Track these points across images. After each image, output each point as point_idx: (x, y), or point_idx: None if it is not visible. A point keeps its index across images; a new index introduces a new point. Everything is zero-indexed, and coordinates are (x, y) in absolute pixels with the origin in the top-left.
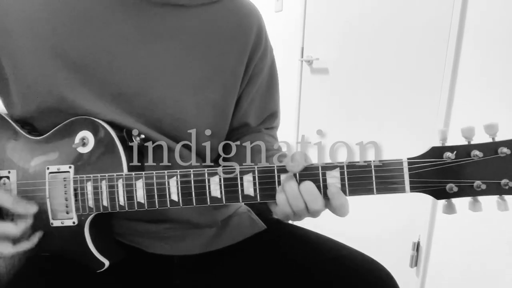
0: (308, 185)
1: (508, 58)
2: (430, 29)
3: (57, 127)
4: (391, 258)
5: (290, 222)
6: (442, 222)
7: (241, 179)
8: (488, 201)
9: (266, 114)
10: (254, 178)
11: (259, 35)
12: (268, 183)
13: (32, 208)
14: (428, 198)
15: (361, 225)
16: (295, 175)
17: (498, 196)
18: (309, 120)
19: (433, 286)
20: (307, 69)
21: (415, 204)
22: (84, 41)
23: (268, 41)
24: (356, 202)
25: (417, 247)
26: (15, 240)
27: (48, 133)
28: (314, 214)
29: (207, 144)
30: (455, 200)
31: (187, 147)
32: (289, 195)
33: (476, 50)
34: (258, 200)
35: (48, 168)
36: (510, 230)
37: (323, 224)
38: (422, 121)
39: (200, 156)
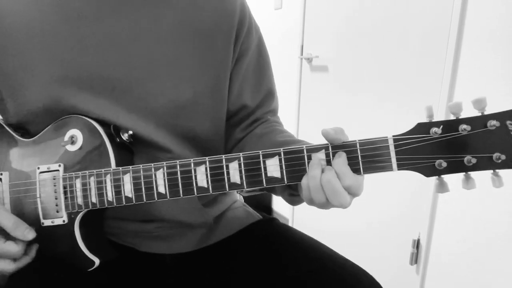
0: (331, 177)
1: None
2: (430, 26)
3: (47, 128)
4: (391, 256)
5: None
6: (442, 220)
7: (227, 167)
8: (486, 199)
9: (262, 94)
10: (240, 165)
11: (242, 12)
12: (254, 169)
13: (30, 235)
14: (428, 195)
15: (361, 222)
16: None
17: (492, 172)
18: (309, 117)
19: (433, 284)
20: (307, 67)
21: (415, 202)
22: (74, 40)
23: (253, 19)
24: (356, 199)
25: (417, 244)
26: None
27: (39, 134)
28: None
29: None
30: (448, 180)
31: (182, 144)
32: (311, 188)
33: (477, 49)
34: (245, 188)
35: (38, 168)
36: (509, 228)
37: (323, 220)
38: (423, 118)
39: (199, 146)
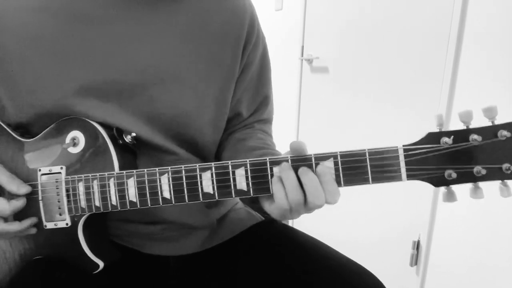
0: (312, 176)
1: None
2: (430, 27)
3: (48, 129)
4: (391, 257)
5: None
6: (442, 221)
7: (233, 173)
8: (488, 199)
9: (258, 101)
10: (246, 172)
11: (252, 24)
12: (261, 176)
13: (24, 188)
14: (428, 197)
15: (361, 224)
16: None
17: (500, 181)
18: (309, 119)
19: (433, 285)
20: (307, 68)
21: (415, 203)
22: (80, 42)
23: (260, 30)
24: (356, 201)
25: (417, 246)
26: (6, 219)
27: (40, 135)
28: (312, 208)
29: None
30: (456, 189)
31: (185, 148)
32: (287, 187)
33: (477, 52)
34: (251, 195)
35: (40, 170)
36: (510, 228)
37: (323, 222)
38: (423, 119)
39: (201, 152)
